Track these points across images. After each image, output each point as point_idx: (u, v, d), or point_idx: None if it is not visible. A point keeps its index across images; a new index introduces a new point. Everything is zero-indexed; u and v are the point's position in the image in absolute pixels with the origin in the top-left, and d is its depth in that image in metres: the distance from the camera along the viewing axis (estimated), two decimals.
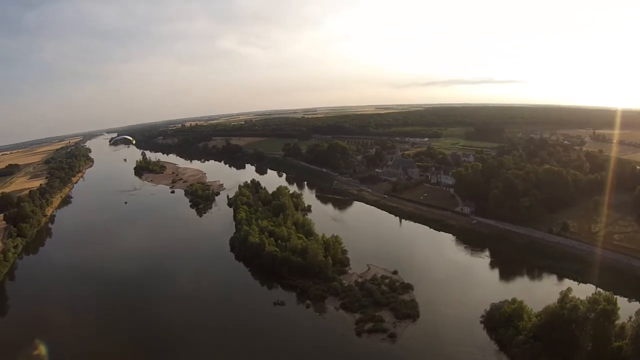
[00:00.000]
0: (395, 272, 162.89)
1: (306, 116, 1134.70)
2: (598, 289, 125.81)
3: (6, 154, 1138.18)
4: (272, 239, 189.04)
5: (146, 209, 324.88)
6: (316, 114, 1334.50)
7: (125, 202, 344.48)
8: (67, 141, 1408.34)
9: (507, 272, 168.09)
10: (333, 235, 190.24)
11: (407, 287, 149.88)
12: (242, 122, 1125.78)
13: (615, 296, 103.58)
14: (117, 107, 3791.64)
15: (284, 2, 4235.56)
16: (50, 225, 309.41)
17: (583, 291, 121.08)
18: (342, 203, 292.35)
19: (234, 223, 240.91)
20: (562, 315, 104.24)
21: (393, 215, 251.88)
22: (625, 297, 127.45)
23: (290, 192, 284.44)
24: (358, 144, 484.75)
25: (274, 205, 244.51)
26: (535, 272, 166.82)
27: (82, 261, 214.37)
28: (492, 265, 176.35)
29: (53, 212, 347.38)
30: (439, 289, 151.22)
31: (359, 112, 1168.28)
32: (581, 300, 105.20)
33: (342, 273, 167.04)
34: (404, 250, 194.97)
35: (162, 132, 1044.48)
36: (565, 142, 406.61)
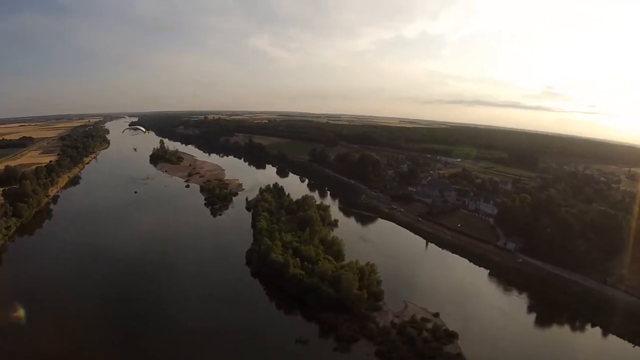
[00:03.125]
0: (436, 315, 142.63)
1: (330, 122, 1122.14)
2: None
3: (24, 125, 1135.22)
4: (297, 258, 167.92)
5: (157, 202, 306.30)
6: (340, 120, 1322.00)
7: (135, 192, 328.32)
8: (87, 120, 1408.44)
9: (562, 326, 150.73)
10: (368, 263, 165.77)
11: (452, 336, 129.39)
12: (266, 121, 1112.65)
13: None
14: (143, 93, 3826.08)
15: (322, 8, 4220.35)
16: (52, 206, 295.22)
17: None
18: (371, 221, 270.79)
19: (252, 231, 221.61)
20: None
21: (429, 242, 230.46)
22: None
23: (317, 202, 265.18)
24: (388, 157, 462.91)
25: (300, 218, 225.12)
26: (592, 328, 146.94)
27: (76, 247, 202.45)
28: (543, 315, 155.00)
29: (58, 192, 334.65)
30: (485, 341, 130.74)
31: (384, 124, 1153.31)
32: None
33: (376, 309, 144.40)
34: (443, 285, 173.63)
35: (184, 122, 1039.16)
36: (602, 178, 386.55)
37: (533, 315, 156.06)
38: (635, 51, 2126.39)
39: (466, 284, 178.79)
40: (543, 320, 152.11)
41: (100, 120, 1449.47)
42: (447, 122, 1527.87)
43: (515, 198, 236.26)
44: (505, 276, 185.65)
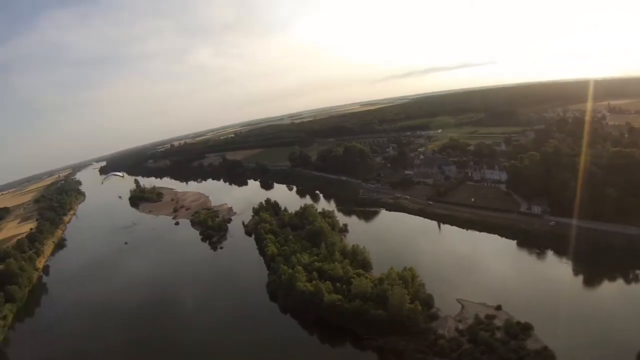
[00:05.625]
0: (499, 308, 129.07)
1: (294, 121, 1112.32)
2: None
3: None
4: (328, 282, 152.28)
5: (150, 248, 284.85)
6: (302, 117, 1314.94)
7: (126, 243, 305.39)
8: (57, 175, 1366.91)
9: (622, 288, 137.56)
10: (406, 267, 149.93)
11: (527, 328, 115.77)
12: (232, 135, 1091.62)
13: None
14: (102, 135, 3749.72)
15: (250, 9, 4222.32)
16: (45, 278, 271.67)
17: None
18: (378, 216, 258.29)
19: (261, 259, 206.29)
20: None
21: (449, 225, 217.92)
22: None
23: (318, 209, 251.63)
24: (371, 144, 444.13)
25: (309, 231, 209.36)
26: None
27: (83, 312, 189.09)
28: (599, 277, 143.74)
29: (46, 261, 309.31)
30: (559, 324, 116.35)
31: (345, 111, 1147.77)
32: None
33: (433, 319, 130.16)
34: (486, 271, 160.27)
35: (152, 155, 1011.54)
36: (587, 118, 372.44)
37: (589, 280, 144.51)
38: None
39: (508, 263, 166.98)
40: (601, 283, 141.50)
41: (70, 173, 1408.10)
42: (406, 96, 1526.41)
43: (524, 158, 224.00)
44: (543, 244, 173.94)
